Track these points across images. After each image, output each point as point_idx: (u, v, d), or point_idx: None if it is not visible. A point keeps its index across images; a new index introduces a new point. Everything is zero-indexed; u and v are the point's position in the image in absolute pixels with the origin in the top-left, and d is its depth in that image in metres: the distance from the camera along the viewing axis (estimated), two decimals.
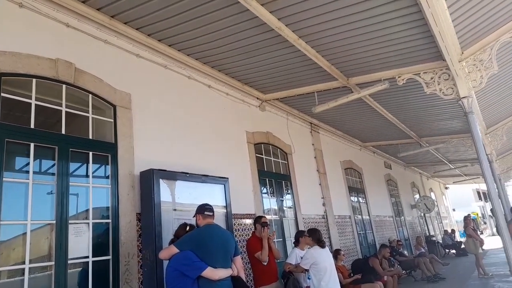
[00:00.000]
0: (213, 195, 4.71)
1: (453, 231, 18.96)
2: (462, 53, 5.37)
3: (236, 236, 5.23)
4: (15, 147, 3.26)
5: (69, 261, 3.33)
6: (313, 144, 8.66)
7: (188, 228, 3.45)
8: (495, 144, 9.98)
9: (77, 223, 3.53)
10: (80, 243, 3.50)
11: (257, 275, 4.62)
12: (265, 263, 4.53)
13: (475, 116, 5.75)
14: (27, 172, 3.28)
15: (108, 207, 3.84)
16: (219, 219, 4.51)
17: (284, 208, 7.03)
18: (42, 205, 3.31)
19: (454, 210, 28.68)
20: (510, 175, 20.34)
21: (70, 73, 3.74)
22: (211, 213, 3.36)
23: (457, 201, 30.00)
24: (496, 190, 6.36)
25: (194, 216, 3.40)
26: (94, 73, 3.99)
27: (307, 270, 4.59)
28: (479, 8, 4.56)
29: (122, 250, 3.75)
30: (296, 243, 5.44)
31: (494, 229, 21.21)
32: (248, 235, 5.31)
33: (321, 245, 4.56)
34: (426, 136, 10.59)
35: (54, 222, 3.31)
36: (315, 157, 8.58)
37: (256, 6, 3.92)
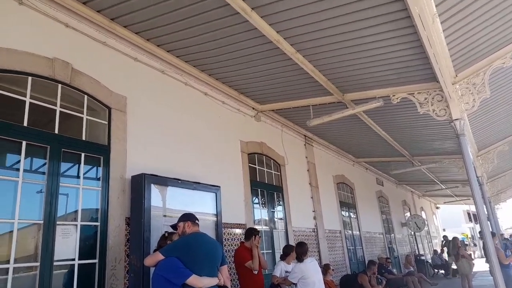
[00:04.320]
0: (204, 203, 4.69)
1: (442, 250, 18.93)
2: (456, 76, 5.46)
3: (225, 245, 5.20)
4: (6, 144, 3.24)
5: (55, 263, 3.29)
6: (306, 157, 8.69)
7: (167, 234, 3.42)
8: (486, 166, 10.07)
9: (65, 225, 3.50)
10: (67, 245, 3.46)
11: (244, 286, 4.59)
12: (256, 272, 4.50)
13: (467, 139, 5.81)
14: (18, 170, 3.25)
15: (98, 209, 3.81)
16: (208, 228, 4.50)
17: (275, 219, 7.01)
18: (30, 204, 3.28)
19: (444, 230, 28.76)
20: (500, 198, 20.49)
21: (67, 73, 3.75)
22: (198, 221, 3.35)
23: (447, 221, 30.14)
24: (486, 212, 6.40)
25: (178, 224, 3.25)
26: (91, 74, 4.00)
27: (295, 284, 4.58)
28: (474, 33, 4.65)
29: (109, 254, 3.72)
30: (284, 257, 5.41)
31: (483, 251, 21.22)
32: (237, 245, 5.28)
33: (299, 259, 4.76)
34: (418, 155, 10.67)
35: (42, 222, 3.28)
36: (308, 170, 8.60)
37: (255, 18, 3.97)
